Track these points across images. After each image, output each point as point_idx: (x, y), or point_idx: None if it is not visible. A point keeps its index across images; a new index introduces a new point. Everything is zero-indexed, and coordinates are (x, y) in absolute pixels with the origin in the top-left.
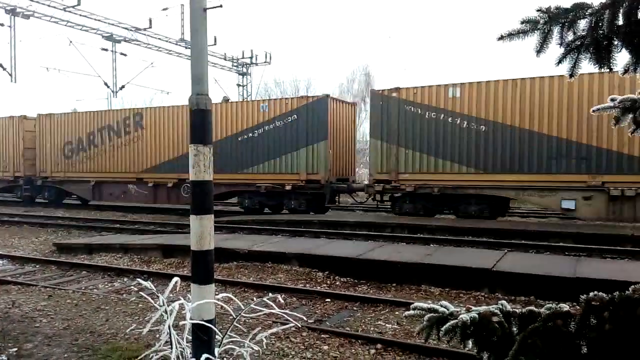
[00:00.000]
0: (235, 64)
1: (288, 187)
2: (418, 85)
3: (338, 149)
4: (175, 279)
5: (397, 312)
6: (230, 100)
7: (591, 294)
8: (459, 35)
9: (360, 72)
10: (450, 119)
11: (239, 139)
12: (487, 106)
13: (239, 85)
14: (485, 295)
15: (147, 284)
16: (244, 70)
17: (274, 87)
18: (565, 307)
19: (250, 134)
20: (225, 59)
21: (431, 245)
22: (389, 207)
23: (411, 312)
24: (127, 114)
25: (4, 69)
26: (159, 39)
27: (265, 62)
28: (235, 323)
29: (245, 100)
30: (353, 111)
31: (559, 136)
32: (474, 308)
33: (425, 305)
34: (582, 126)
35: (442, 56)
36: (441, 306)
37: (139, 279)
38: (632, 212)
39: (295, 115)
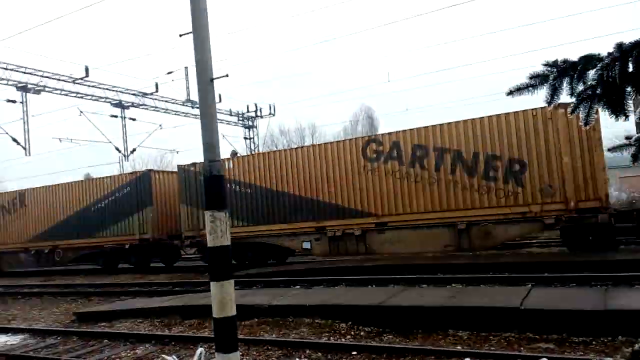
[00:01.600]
0: (240, 119)
1: (127, 246)
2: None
3: (166, 211)
4: (200, 350)
5: None
6: (238, 154)
7: (637, 346)
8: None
9: (363, 114)
10: (228, 185)
11: (92, 208)
12: (250, 174)
13: (245, 138)
14: (516, 336)
15: (171, 358)
16: (250, 123)
17: (279, 137)
18: None
19: (99, 205)
20: (230, 115)
21: (452, 285)
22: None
23: None
24: (14, 195)
25: (18, 144)
26: (166, 101)
27: (269, 114)
28: None
29: (97, 178)
30: (176, 178)
31: (295, 194)
32: None
33: None
34: (310, 186)
35: (439, 96)
36: None
37: (163, 355)
38: (344, 247)
39: (128, 188)
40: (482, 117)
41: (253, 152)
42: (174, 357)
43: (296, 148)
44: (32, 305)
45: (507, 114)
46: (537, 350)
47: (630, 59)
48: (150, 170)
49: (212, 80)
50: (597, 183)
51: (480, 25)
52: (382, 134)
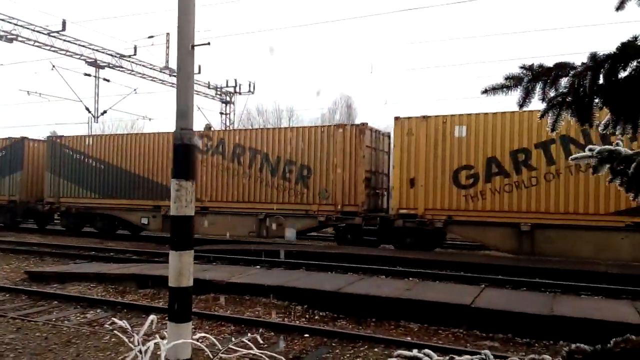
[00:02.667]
0: (218, 93)
1: None
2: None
3: (37, 178)
4: (152, 317)
5: (376, 349)
6: (212, 128)
7: (573, 345)
8: (439, 69)
9: (342, 104)
10: (85, 160)
11: None
12: (104, 152)
13: (221, 113)
14: (464, 332)
15: (122, 323)
16: (228, 98)
17: (256, 116)
18: (548, 358)
19: None
20: (209, 87)
21: (410, 279)
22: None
23: (394, 359)
24: None
25: None
26: (143, 65)
27: (248, 92)
28: None
29: None
30: (44, 148)
31: (136, 173)
32: (457, 358)
33: (408, 353)
34: (152, 167)
35: (421, 90)
36: (425, 354)
37: (113, 318)
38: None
39: (3, 152)
40: (287, 128)
41: (229, 128)
42: (125, 322)
43: (142, 134)
44: None
45: (304, 127)
46: (482, 347)
47: (602, 70)
48: (24, 138)
49: (193, 47)
50: (357, 192)
51: (476, 26)
52: (213, 131)
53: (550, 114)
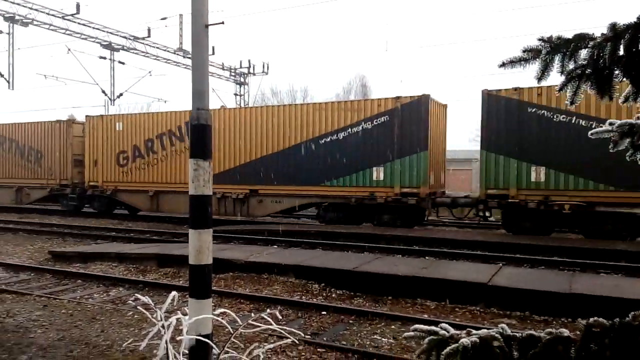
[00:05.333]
0: (233, 74)
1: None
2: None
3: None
4: (173, 293)
5: (392, 326)
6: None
7: (591, 319)
8: (456, 47)
9: (357, 83)
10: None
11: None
12: None
13: (236, 94)
14: (481, 310)
15: (145, 298)
16: (242, 80)
17: (270, 97)
18: (565, 332)
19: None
20: (223, 69)
21: (427, 258)
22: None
23: (411, 333)
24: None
25: (2, 76)
26: (157, 47)
27: (262, 72)
28: (232, 339)
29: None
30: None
31: None
32: (474, 331)
33: (425, 327)
34: None
35: (438, 68)
36: (441, 328)
37: (136, 294)
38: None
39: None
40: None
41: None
42: (147, 298)
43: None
44: (7, 241)
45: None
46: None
47: (622, 41)
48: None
49: (207, 26)
50: (67, 170)
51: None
52: None
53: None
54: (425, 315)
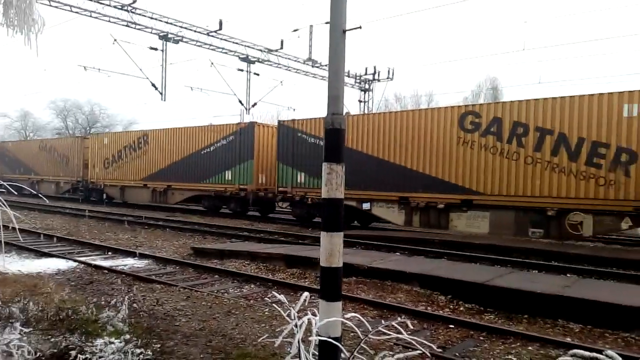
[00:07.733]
0: (358, 81)
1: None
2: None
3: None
4: (305, 294)
5: (530, 347)
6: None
7: None
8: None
9: (486, 86)
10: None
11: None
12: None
13: (360, 101)
14: (636, 338)
15: (281, 297)
16: (366, 86)
17: (394, 102)
18: None
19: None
20: (348, 76)
21: (568, 275)
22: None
23: (568, 358)
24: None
25: (156, 89)
26: (288, 58)
27: (387, 78)
28: (362, 344)
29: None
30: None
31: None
32: None
33: (586, 353)
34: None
35: (581, 65)
36: (607, 356)
37: (273, 291)
38: None
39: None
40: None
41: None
42: (283, 297)
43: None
44: (157, 236)
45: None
46: None
47: None
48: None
49: (344, 31)
50: None
51: None
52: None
53: None
54: (568, 339)
